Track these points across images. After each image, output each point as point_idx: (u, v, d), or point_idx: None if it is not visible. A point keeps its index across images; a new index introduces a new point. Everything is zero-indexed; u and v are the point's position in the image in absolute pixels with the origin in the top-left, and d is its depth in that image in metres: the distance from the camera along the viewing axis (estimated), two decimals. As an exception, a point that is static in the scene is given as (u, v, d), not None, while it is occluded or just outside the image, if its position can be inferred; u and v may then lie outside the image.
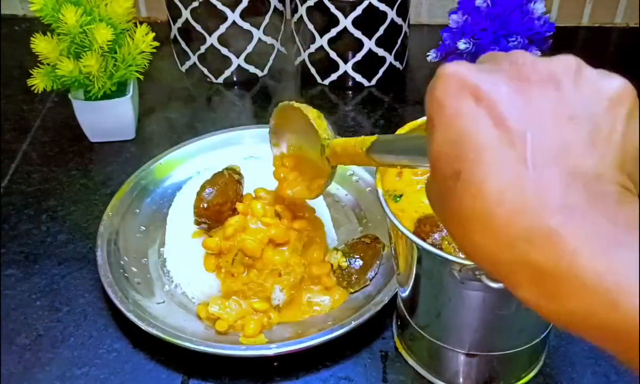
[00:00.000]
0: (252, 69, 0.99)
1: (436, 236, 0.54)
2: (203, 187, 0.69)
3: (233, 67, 0.99)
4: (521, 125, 0.29)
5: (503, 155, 0.28)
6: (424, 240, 0.52)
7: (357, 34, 0.93)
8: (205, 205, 0.68)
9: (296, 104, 0.64)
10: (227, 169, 0.71)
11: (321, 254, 0.70)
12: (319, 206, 0.74)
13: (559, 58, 0.31)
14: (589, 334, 0.28)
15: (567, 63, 0.30)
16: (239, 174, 0.71)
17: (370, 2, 0.91)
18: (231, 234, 0.67)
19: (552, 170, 0.28)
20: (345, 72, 0.97)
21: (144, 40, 0.83)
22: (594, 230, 0.27)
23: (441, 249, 0.52)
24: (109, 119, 0.87)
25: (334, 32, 0.93)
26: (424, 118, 0.59)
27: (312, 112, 0.63)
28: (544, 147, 0.28)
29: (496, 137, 0.29)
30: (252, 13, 0.95)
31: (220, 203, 0.68)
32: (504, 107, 0.29)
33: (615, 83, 0.30)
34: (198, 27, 0.95)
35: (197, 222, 0.69)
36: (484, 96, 0.29)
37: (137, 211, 0.78)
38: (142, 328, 0.64)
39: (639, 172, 0.30)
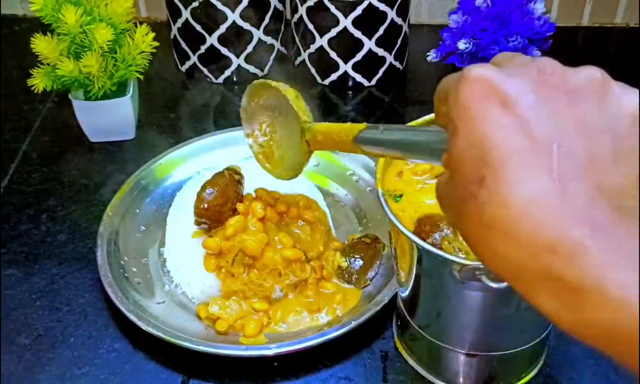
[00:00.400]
0: (252, 69, 0.99)
1: (436, 235, 0.54)
2: (203, 188, 0.69)
3: (233, 67, 0.99)
4: (548, 135, 0.28)
5: (530, 165, 0.28)
6: (424, 240, 0.52)
7: (357, 34, 0.93)
8: (206, 205, 0.68)
9: (273, 83, 0.61)
10: (227, 169, 0.71)
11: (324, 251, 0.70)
12: (320, 206, 0.74)
13: (585, 70, 0.30)
14: (610, 348, 0.28)
15: (594, 76, 0.30)
16: (240, 174, 0.71)
17: (370, 2, 0.91)
18: (231, 234, 0.67)
19: (578, 183, 0.28)
20: (345, 72, 0.97)
21: (144, 40, 0.83)
22: (618, 245, 0.27)
23: (441, 249, 0.52)
24: (109, 119, 0.87)
25: (334, 32, 0.93)
26: (425, 117, 0.59)
27: (290, 92, 0.59)
28: (570, 160, 0.28)
29: (523, 146, 0.28)
30: (252, 13, 0.95)
31: (220, 204, 0.68)
32: (531, 116, 0.29)
33: (637, 99, 0.30)
34: (198, 27, 0.95)
35: (197, 223, 0.69)
36: (511, 103, 0.29)
37: (137, 211, 0.78)
38: (142, 328, 0.64)
39: None
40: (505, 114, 0.29)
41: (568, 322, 0.29)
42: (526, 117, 0.29)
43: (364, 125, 0.46)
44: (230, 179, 0.70)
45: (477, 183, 0.29)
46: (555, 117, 0.29)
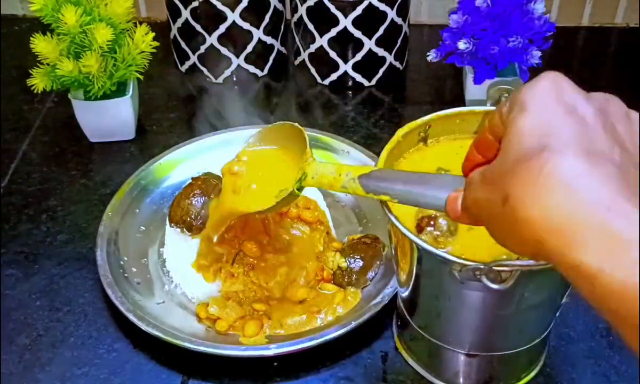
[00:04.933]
0: (252, 69, 0.99)
1: (430, 229, 0.54)
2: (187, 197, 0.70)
3: (233, 67, 0.99)
4: (607, 145, 0.34)
5: (589, 149, 0.33)
6: (418, 234, 0.52)
7: (357, 34, 0.93)
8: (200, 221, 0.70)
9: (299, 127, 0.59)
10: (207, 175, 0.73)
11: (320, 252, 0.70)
12: (319, 206, 0.74)
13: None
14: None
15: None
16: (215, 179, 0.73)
17: (370, 2, 0.91)
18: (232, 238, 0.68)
19: (632, 170, 0.33)
20: (345, 72, 0.97)
21: (144, 40, 0.83)
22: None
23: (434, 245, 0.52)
24: (109, 119, 0.87)
25: (334, 32, 0.93)
26: (424, 118, 0.59)
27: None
28: (625, 165, 0.33)
29: (583, 135, 0.33)
30: (252, 13, 0.95)
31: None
32: (590, 128, 0.34)
33: None
34: (198, 27, 0.95)
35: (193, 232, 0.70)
36: (576, 111, 0.35)
37: (137, 211, 0.77)
38: (142, 328, 0.64)
39: None
40: (570, 116, 0.34)
41: (610, 281, 0.30)
42: (590, 124, 0.34)
43: (367, 169, 0.50)
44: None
45: (539, 148, 0.33)
46: (609, 132, 0.34)
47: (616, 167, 0.33)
